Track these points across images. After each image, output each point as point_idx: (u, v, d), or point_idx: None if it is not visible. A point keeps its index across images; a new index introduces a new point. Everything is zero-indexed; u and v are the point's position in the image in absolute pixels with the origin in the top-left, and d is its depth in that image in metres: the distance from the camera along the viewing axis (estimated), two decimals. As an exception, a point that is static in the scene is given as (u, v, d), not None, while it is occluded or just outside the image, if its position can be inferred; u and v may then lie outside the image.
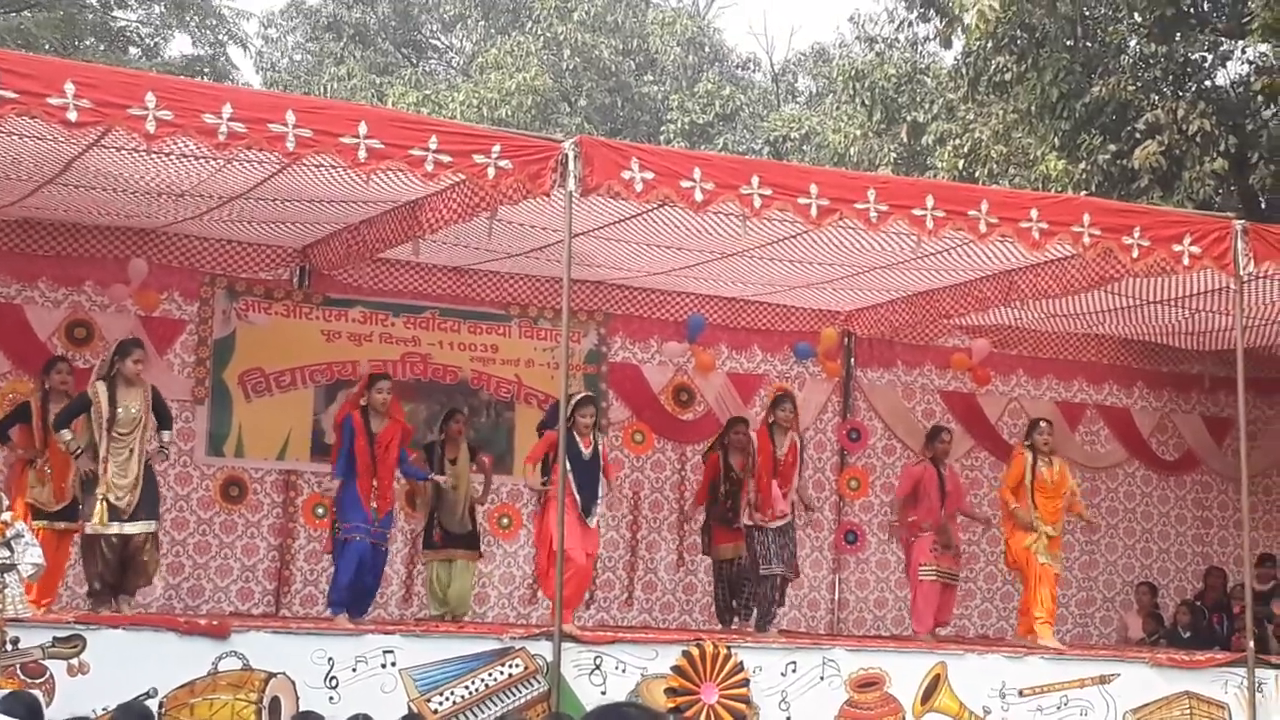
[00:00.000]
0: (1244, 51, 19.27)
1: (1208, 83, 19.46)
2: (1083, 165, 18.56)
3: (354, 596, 11.71)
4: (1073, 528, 15.11)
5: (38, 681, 9.15)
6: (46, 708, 8.61)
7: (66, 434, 10.86)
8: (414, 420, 12.94)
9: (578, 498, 11.64)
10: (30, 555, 8.95)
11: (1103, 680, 11.94)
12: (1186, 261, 11.33)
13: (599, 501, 11.95)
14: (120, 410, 10.85)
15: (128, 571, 10.90)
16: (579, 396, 12.21)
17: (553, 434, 11.43)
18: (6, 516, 8.98)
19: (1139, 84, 18.75)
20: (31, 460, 11.43)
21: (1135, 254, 11.19)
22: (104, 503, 10.66)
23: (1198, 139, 17.87)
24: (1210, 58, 19.36)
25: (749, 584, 13.04)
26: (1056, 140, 19.00)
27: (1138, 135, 18.27)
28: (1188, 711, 12.04)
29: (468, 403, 14.11)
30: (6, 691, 7.74)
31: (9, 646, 8.79)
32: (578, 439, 11.82)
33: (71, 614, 10.38)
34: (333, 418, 12.75)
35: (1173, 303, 13.39)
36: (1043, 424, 13.40)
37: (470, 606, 13.09)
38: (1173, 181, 18.06)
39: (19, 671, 9.07)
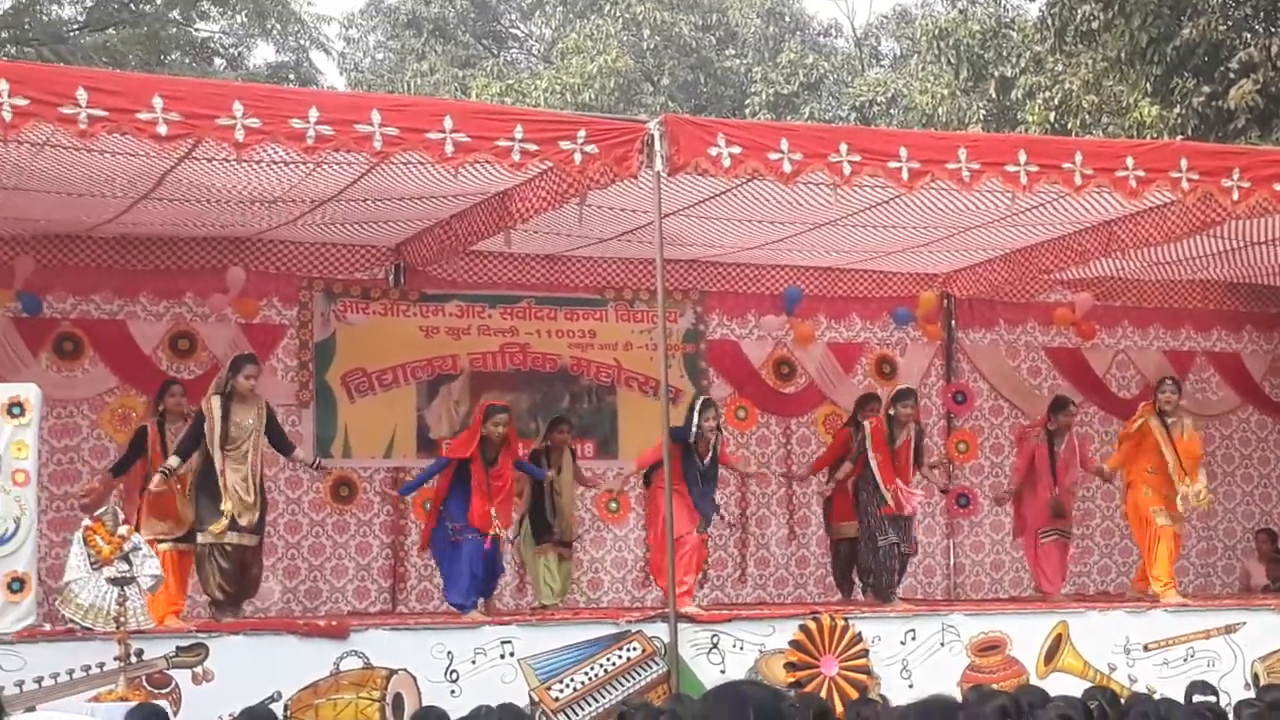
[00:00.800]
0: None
1: (1300, 16, 19.10)
2: (1177, 110, 18.28)
3: (480, 588, 11.60)
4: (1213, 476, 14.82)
5: (164, 691, 9.28)
6: (174, 716, 8.73)
7: (174, 461, 10.81)
8: (516, 409, 12.93)
9: (698, 508, 11.55)
10: (149, 568, 9.09)
11: (1229, 630, 11.76)
12: (1289, 200, 11.11)
13: (716, 513, 11.88)
14: (234, 426, 10.87)
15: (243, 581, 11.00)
16: (700, 401, 12.02)
17: (673, 445, 11.13)
18: (124, 530, 9.11)
19: (1229, 23, 18.41)
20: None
21: (1236, 196, 10.97)
22: (228, 517, 10.72)
23: (1293, 75, 17.55)
24: (1302, -9, 18.99)
25: (866, 556, 12.84)
26: (1149, 86, 18.72)
27: (1231, 75, 17.96)
28: (1318, 655, 11.84)
29: (568, 390, 14.13)
30: (134, 704, 7.83)
31: (134, 658, 8.92)
32: (698, 458, 11.67)
33: (193, 623, 10.51)
34: (436, 415, 12.74)
35: (1278, 242, 13.14)
36: (1168, 382, 13.07)
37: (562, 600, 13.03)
38: (1270, 120, 17.74)
39: (145, 682, 9.20)
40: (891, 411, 12.66)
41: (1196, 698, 7.55)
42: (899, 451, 12.56)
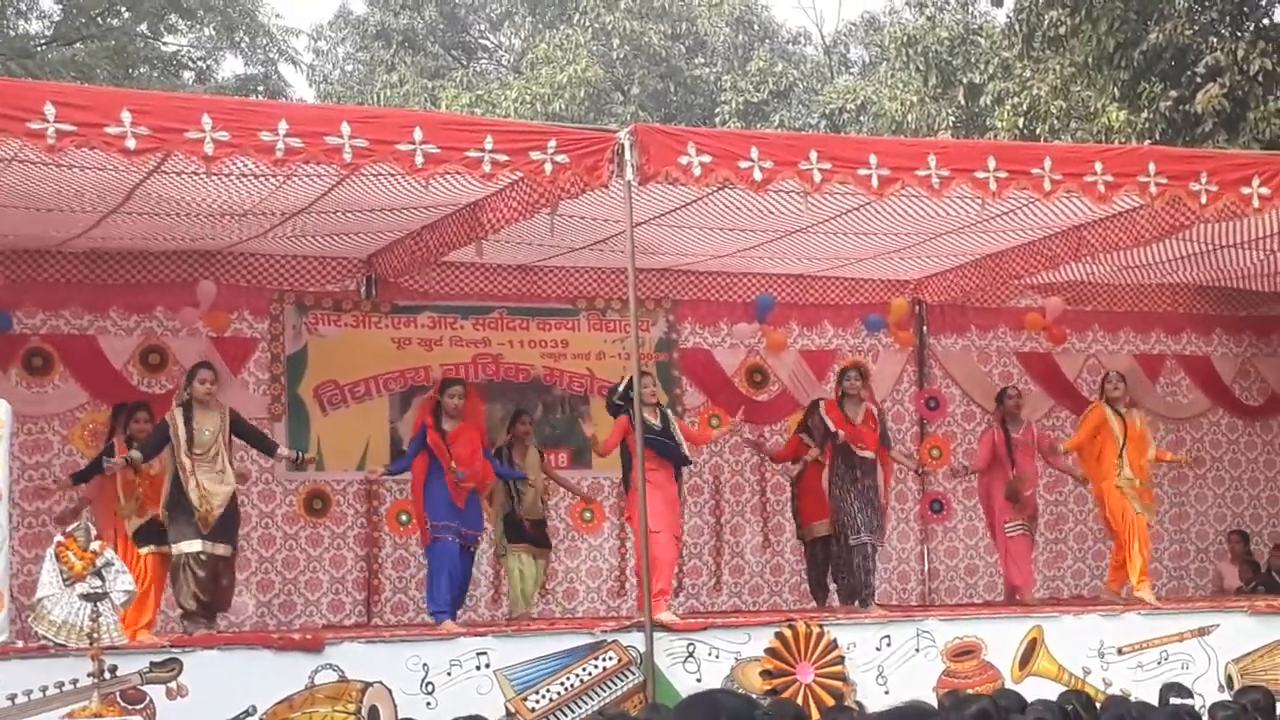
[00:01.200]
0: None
1: (1266, 21, 19.17)
2: (1145, 114, 18.35)
3: (457, 593, 11.69)
4: (1160, 480, 14.96)
5: (138, 707, 9.23)
6: (149, 732, 8.71)
7: (136, 454, 10.96)
8: (489, 420, 12.93)
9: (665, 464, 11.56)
10: (121, 583, 9.03)
11: (1202, 632, 11.80)
12: (1257, 203, 11.15)
13: (686, 464, 11.90)
14: (196, 433, 10.91)
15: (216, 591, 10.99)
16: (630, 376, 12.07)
17: (625, 419, 11.36)
18: (96, 545, 9.06)
19: (1196, 27, 18.50)
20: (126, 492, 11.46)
21: (1204, 199, 11.03)
22: (187, 525, 10.74)
23: (1260, 78, 17.62)
24: (1267, -5, 19.12)
25: (840, 559, 12.86)
26: (1116, 91, 18.80)
27: (1198, 79, 18.05)
28: (1291, 657, 11.90)
29: (541, 399, 14.14)
30: (108, 720, 7.81)
31: (107, 674, 8.87)
32: (644, 412, 11.64)
33: (167, 638, 10.47)
34: (409, 426, 12.78)
35: (1246, 245, 13.19)
36: (1113, 375, 13.40)
37: (533, 604, 13.01)
38: (1238, 123, 17.82)
39: (119, 699, 9.15)
40: (840, 392, 12.74)
41: (1174, 700, 7.59)
42: (863, 424, 12.59)
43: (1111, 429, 12.99)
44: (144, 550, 11.16)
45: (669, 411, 12.11)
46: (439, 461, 11.59)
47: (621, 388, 11.53)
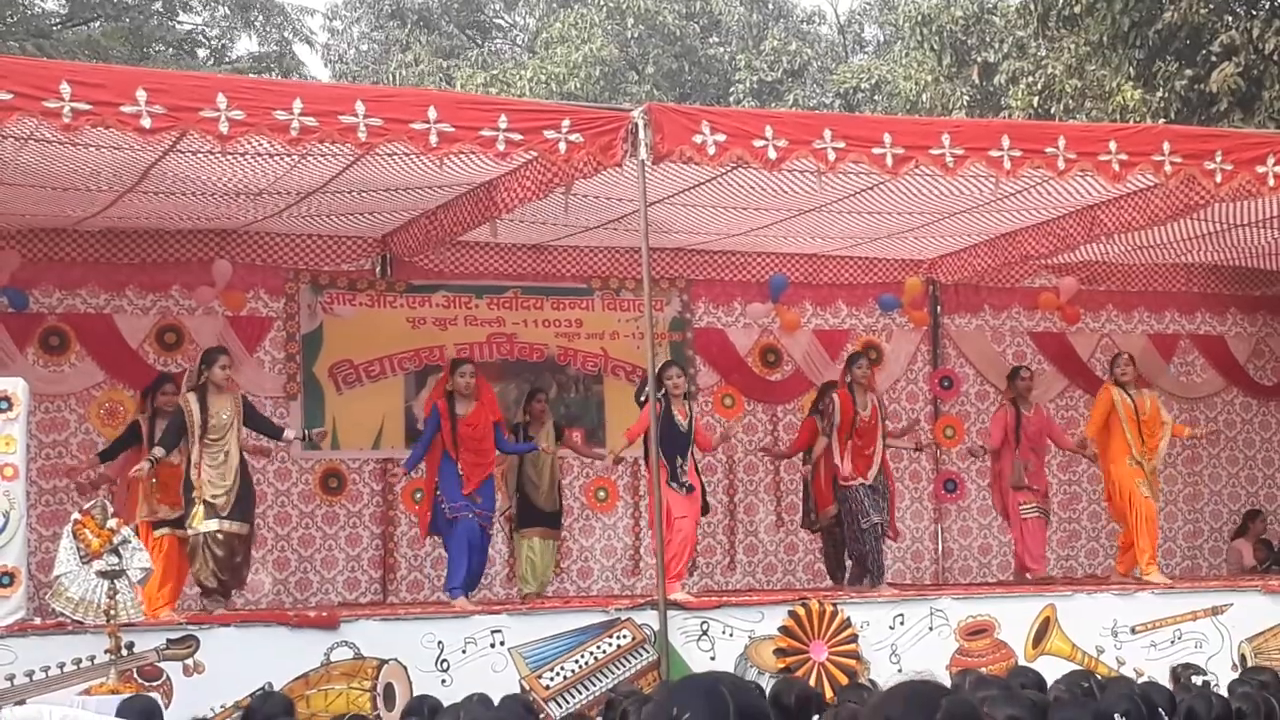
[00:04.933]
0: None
1: (1281, -1, 19.13)
2: (1160, 93, 18.31)
3: (468, 578, 11.73)
4: (1174, 459, 14.97)
5: (155, 684, 9.29)
6: (166, 709, 8.73)
7: (159, 451, 10.88)
8: (504, 400, 12.96)
9: (675, 481, 11.53)
10: (138, 560, 9.10)
11: (1215, 611, 11.81)
12: (1272, 182, 11.12)
13: (686, 468, 11.75)
14: (211, 418, 10.91)
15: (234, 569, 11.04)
16: (663, 363, 12.12)
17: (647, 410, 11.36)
18: (113, 523, 9.12)
19: (1211, 6, 18.43)
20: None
21: (1219, 178, 11.00)
22: (201, 505, 10.77)
23: (1275, 58, 17.57)
24: (1283, -27, 19.03)
25: (853, 541, 12.88)
26: (1131, 70, 18.74)
27: (1214, 58, 18.00)
28: (1305, 635, 11.91)
29: (555, 379, 14.16)
30: (125, 697, 7.85)
31: (124, 651, 8.93)
32: (674, 409, 11.73)
33: (183, 615, 10.52)
34: (422, 405, 12.82)
35: (1261, 224, 13.18)
36: (1122, 356, 13.37)
37: (549, 583, 13.06)
38: (1253, 103, 17.78)
39: (136, 675, 9.21)
40: (849, 379, 12.74)
41: (1196, 679, 7.58)
42: (869, 419, 12.62)
43: (1118, 412, 12.97)
44: (159, 533, 11.14)
45: (691, 405, 12.10)
46: (443, 434, 11.61)
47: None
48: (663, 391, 11.55)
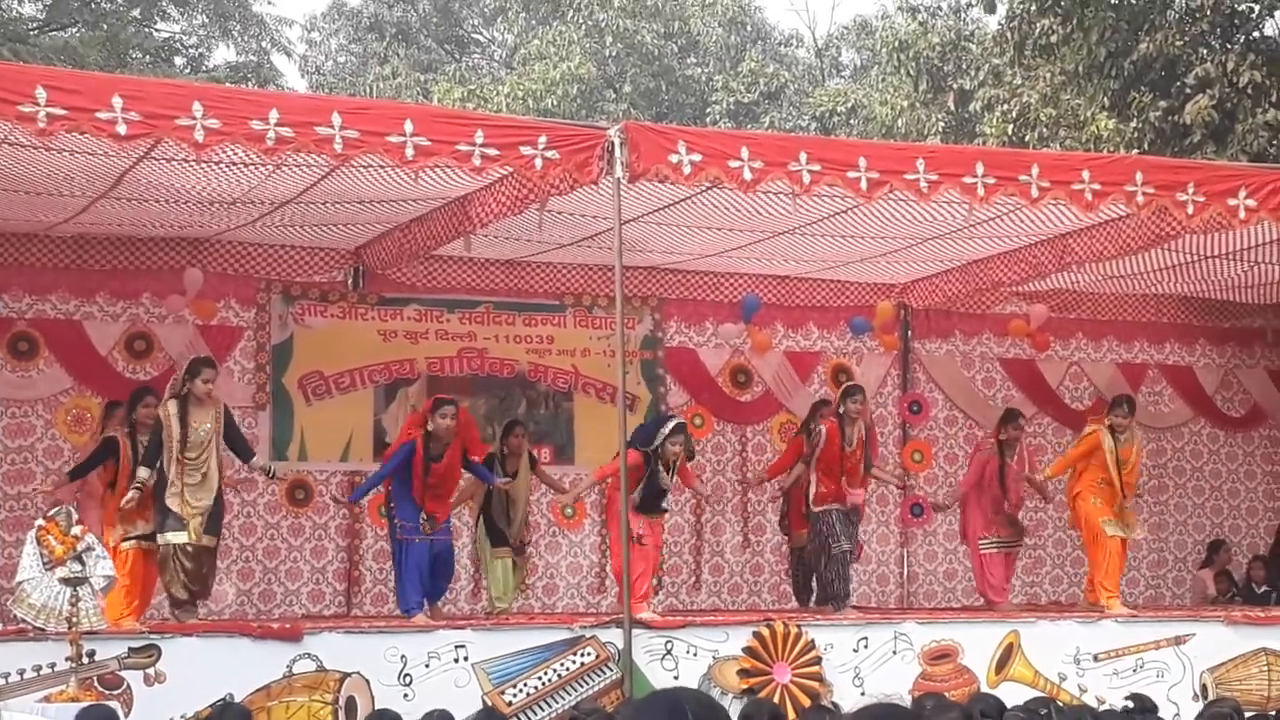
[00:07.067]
0: (1292, 0, 19.05)
1: (1256, 33, 19.22)
2: (1134, 124, 18.39)
3: (427, 594, 11.65)
4: (1140, 489, 14.99)
5: (115, 692, 9.23)
6: (125, 718, 8.70)
7: (144, 472, 10.73)
8: (474, 413, 12.95)
9: (637, 501, 11.48)
10: (102, 568, 9.06)
11: (1178, 641, 11.84)
12: (1243, 215, 11.19)
13: (660, 505, 11.85)
14: (191, 432, 10.74)
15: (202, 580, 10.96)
16: (673, 424, 11.96)
17: (635, 455, 11.26)
18: (77, 530, 9.07)
19: (1186, 38, 18.55)
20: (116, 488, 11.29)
21: (1190, 210, 11.06)
22: (174, 519, 10.66)
23: (1249, 91, 17.68)
24: (1258, 8, 19.12)
25: (823, 565, 12.86)
26: (1106, 100, 18.84)
27: (1188, 90, 18.10)
28: (1265, 668, 11.93)
29: (525, 395, 14.15)
30: (85, 705, 7.80)
31: (85, 659, 8.88)
32: (661, 470, 11.70)
33: (145, 624, 10.47)
34: (392, 419, 12.77)
35: (1231, 256, 13.25)
36: (1124, 404, 13.16)
37: (513, 600, 13.02)
38: (1226, 135, 17.88)
39: (96, 683, 9.16)
40: (841, 410, 12.74)
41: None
42: (854, 453, 12.63)
43: (1105, 457, 12.84)
44: (125, 545, 10.94)
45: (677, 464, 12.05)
46: (411, 468, 11.44)
47: (658, 442, 11.62)
48: (655, 447, 11.55)
